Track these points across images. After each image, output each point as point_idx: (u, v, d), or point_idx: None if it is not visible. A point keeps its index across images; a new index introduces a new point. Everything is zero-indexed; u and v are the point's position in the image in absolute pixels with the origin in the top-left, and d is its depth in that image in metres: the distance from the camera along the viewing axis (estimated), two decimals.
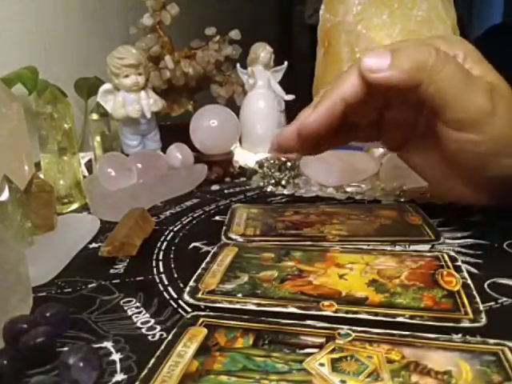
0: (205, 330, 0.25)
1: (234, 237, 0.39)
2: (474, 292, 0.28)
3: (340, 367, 0.22)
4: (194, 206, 0.48)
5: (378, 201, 0.47)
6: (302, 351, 0.23)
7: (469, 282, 0.29)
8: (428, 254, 0.34)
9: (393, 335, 0.24)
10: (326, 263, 0.33)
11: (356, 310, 0.27)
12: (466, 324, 0.25)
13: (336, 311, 0.27)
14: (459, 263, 0.32)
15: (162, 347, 0.24)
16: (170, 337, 0.25)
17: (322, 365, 0.22)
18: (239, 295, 0.29)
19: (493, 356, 0.22)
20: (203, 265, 0.33)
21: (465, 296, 0.28)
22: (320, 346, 0.24)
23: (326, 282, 0.30)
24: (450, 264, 0.32)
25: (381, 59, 0.30)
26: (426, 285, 0.29)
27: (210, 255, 0.35)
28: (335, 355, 0.23)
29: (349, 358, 0.23)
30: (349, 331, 0.25)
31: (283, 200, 0.49)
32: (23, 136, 0.45)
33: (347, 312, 0.27)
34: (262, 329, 0.25)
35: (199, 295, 0.29)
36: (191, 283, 0.31)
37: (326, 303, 0.27)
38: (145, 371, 0.22)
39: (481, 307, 0.27)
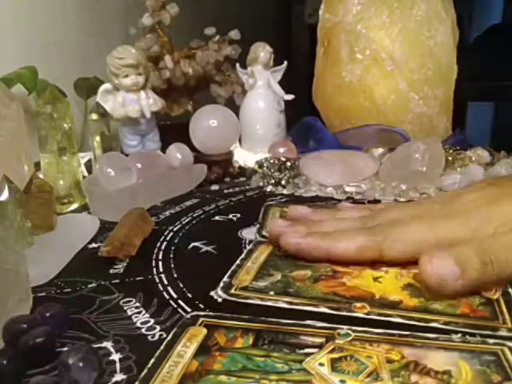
0: (204, 330, 0.25)
1: (267, 234, 0.39)
2: None
3: (340, 367, 0.22)
4: (194, 206, 0.48)
5: (378, 201, 0.47)
6: (301, 351, 0.23)
7: (509, 289, 0.28)
8: None
9: (392, 335, 0.24)
10: (361, 265, 0.32)
11: (389, 313, 0.26)
12: (503, 333, 0.24)
13: (368, 313, 0.26)
14: None
15: (162, 347, 0.24)
16: (169, 337, 0.25)
17: (321, 365, 0.22)
18: (271, 293, 0.29)
19: (492, 356, 0.22)
20: (238, 261, 0.34)
21: (504, 304, 0.27)
22: (320, 346, 0.24)
23: (360, 283, 0.29)
24: None
25: (448, 268, 0.27)
26: None
27: (244, 252, 0.35)
28: (335, 355, 0.23)
29: (348, 358, 0.22)
30: (348, 331, 0.25)
31: (283, 200, 0.49)
32: (23, 136, 0.45)
33: (380, 315, 0.26)
34: (262, 328, 0.25)
35: (232, 291, 0.29)
36: (225, 279, 0.31)
37: (358, 305, 0.27)
38: (144, 371, 0.22)
39: None
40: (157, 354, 0.23)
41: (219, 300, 0.29)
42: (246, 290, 0.29)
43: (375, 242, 0.31)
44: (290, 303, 0.28)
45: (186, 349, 0.24)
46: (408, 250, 0.30)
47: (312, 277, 0.31)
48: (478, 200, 0.32)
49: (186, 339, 0.24)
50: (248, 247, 0.36)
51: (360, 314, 0.26)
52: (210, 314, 0.27)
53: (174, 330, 0.26)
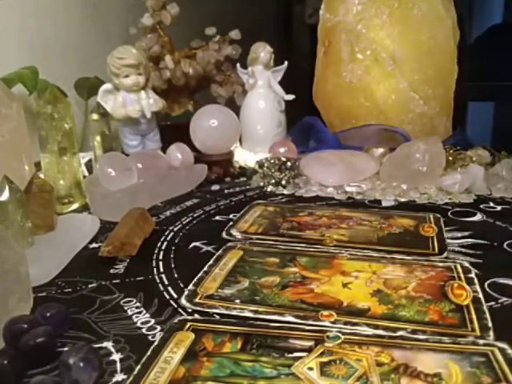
0: (192, 335, 0.25)
1: (234, 233, 0.39)
2: (484, 307, 0.27)
3: (329, 371, 0.22)
4: (194, 206, 0.48)
5: (396, 207, 0.46)
6: (290, 355, 0.23)
7: (480, 295, 0.28)
8: (440, 264, 0.32)
9: (382, 337, 0.24)
10: (332, 270, 0.32)
11: (355, 322, 0.26)
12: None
13: (334, 322, 0.26)
14: (472, 275, 0.30)
15: (149, 353, 0.23)
16: (156, 342, 0.24)
17: (310, 369, 0.22)
18: (237, 301, 0.28)
19: (483, 357, 0.22)
20: (205, 268, 0.33)
21: (474, 311, 0.26)
22: (309, 350, 0.23)
23: (329, 290, 0.29)
24: (462, 276, 0.30)
25: None
26: (434, 297, 0.28)
27: (213, 258, 0.34)
28: (324, 359, 0.22)
29: (338, 362, 0.22)
30: (338, 333, 0.24)
31: (283, 200, 0.49)
32: (23, 136, 0.45)
33: (346, 323, 0.26)
34: (251, 332, 0.25)
35: (197, 300, 0.29)
36: (190, 287, 0.30)
37: (325, 313, 0.27)
38: (130, 378, 0.22)
39: (489, 323, 0.25)
40: (143, 360, 0.23)
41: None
42: (211, 299, 0.29)
43: None
44: (256, 312, 0.27)
45: (173, 354, 0.23)
46: None
47: (280, 283, 0.30)
48: None
49: (174, 344, 0.24)
50: (217, 253, 0.35)
51: (326, 323, 0.26)
52: (198, 318, 0.27)
53: (162, 334, 0.25)
